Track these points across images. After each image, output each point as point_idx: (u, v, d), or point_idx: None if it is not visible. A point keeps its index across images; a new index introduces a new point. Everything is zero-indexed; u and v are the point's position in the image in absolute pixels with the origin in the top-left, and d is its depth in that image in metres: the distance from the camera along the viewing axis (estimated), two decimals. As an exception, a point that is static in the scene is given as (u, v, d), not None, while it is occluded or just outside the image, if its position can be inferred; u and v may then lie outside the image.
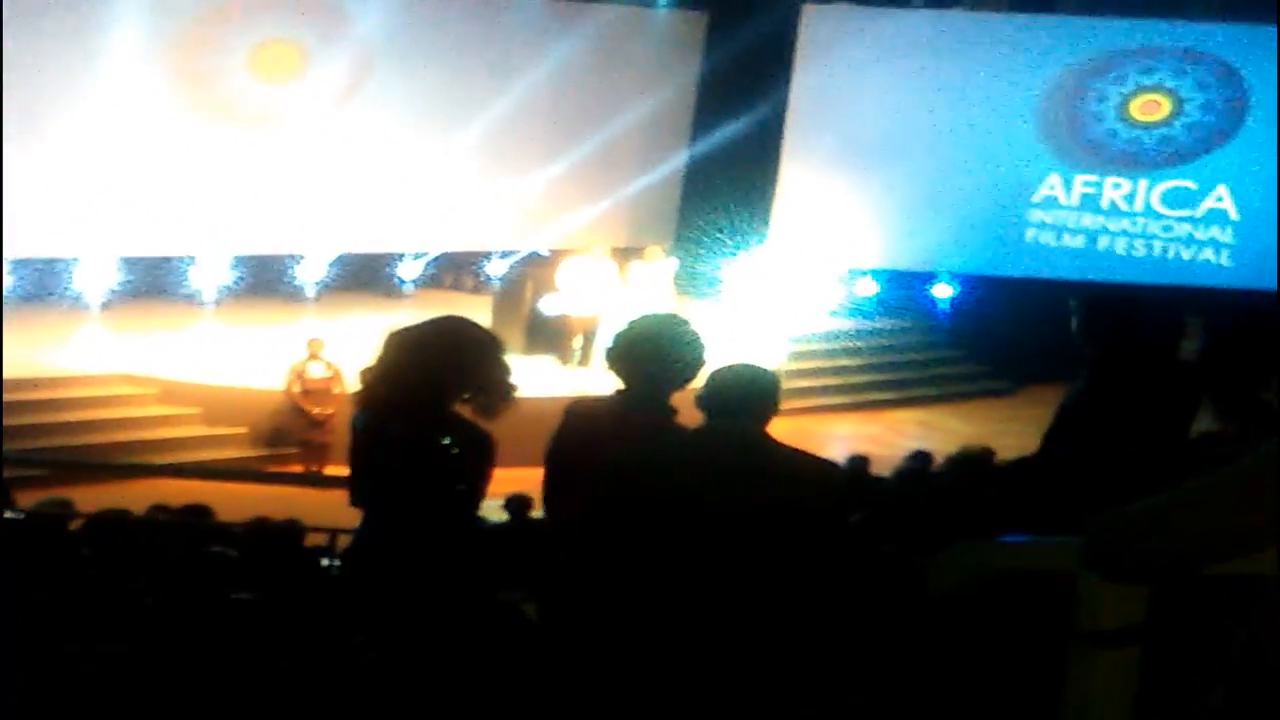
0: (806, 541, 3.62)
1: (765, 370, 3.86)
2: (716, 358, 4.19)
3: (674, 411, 4.25)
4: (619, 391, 4.34)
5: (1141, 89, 17.95)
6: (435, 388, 3.92)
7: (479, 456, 3.92)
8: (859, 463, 9.93)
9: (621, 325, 4.46)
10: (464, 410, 3.96)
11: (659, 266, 15.93)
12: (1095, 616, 1.88)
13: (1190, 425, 5.03)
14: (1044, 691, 2.08)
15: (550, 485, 4.50)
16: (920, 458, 10.00)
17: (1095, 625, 1.88)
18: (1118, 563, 1.82)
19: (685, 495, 3.60)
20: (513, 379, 4.00)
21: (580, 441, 4.31)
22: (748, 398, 3.73)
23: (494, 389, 3.96)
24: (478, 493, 4.01)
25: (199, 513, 8.29)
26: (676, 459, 3.75)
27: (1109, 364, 4.76)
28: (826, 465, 3.83)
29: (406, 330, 4.00)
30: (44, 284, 15.09)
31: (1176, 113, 17.95)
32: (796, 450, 3.74)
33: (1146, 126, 18.05)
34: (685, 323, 4.39)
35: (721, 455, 3.65)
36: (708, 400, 3.77)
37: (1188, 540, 1.73)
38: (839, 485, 3.87)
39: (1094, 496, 4.22)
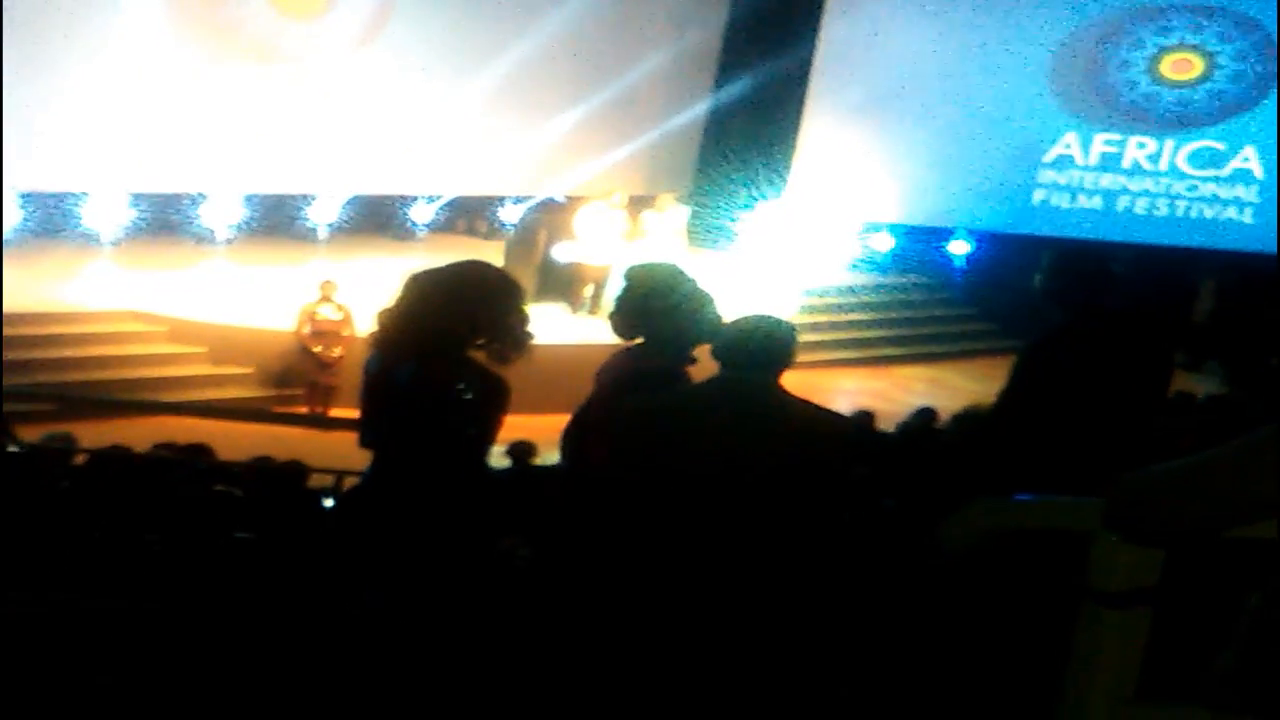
0: (814, 493, 3.60)
1: (782, 323, 3.83)
2: (731, 309, 4.16)
3: (692, 362, 4.21)
4: (638, 344, 4.30)
5: (1173, 47, 17.75)
6: (453, 332, 3.89)
7: (492, 402, 3.90)
8: (864, 418, 9.94)
9: (620, 283, 4.42)
10: (478, 356, 3.93)
11: (671, 215, 15.87)
12: (1109, 577, 1.86)
13: (1163, 391, 5.00)
14: (1051, 650, 2.05)
15: (576, 442, 4.46)
16: (925, 414, 10.00)
17: (1109, 586, 1.85)
18: (1139, 524, 1.78)
19: (695, 445, 3.58)
20: (530, 327, 3.98)
21: (601, 398, 4.29)
22: (763, 350, 3.71)
23: (510, 336, 3.94)
24: (488, 438, 3.99)
25: (202, 452, 8.29)
26: (687, 408, 3.72)
27: (1073, 324, 4.72)
28: (836, 418, 3.81)
29: (428, 273, 3.98)
30: (55, 218, 15.02)
31: (1209, 72, 17.75)
32: (807, 403, 3.72)
33: (1178, 85, 17.85)
34: (673, 268, 4.35)
35: (732, 406, 3.63)
36: (723, 351, 3.76)
37: (1210, 503, 1.70)
38: (848, 438, 3.84)
39: (1049, 457, 4.21)
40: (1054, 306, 4.76)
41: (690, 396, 3.82)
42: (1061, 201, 18.47)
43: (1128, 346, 4.70)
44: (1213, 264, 17.71)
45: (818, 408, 3.77)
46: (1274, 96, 17.45)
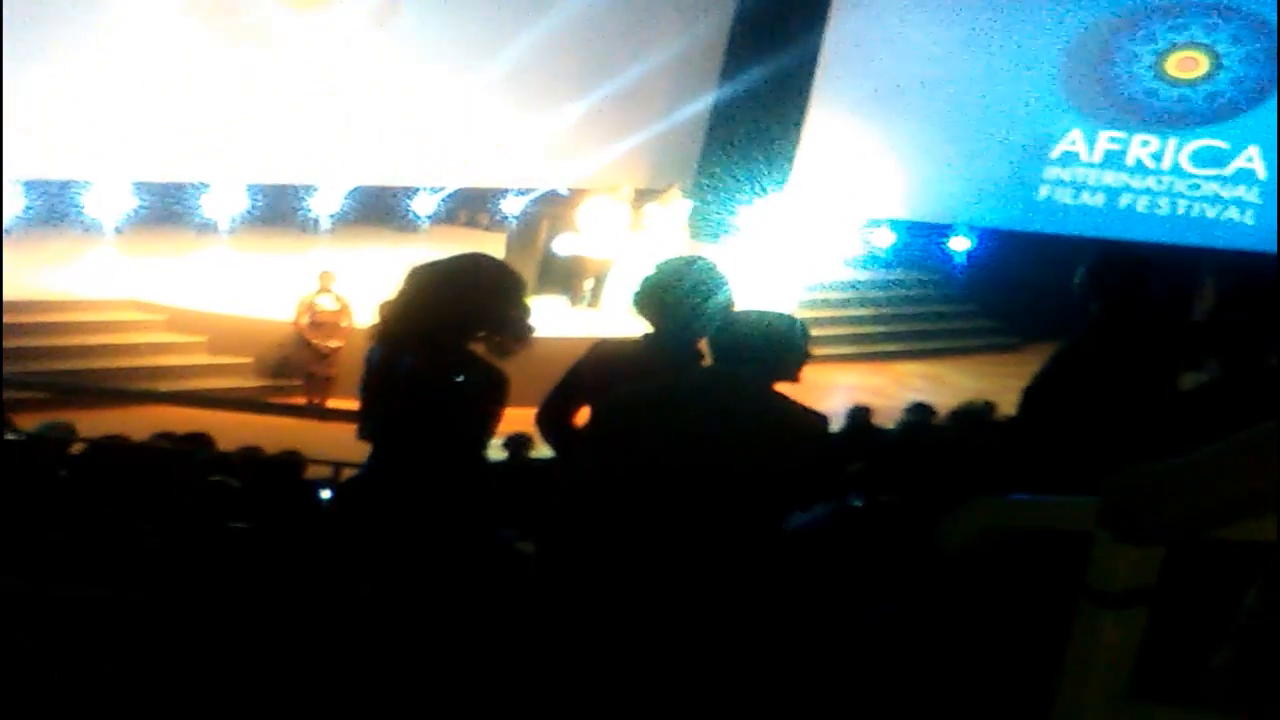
0: (776, 492, 3.55)
1: (780, 320, 3.77)
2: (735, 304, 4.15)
3: (700, 356, 4.20)
4: (646, 335, 4.30)
5: (1179, 45, 17.69)
6: (454, 324, 3.90)
7: (492, 394, 3.91)
8: (861, 413, 9.94)
9: (648, 268, 4.42)
10: (478, 348, 3.93)
11: (674, 208, 15.85)
12: (1107, 576, 1.85)
13: (1174, 389, 4.98)
14: (1048, 649, 2.05)
15: (556, 409, 4.46)
16: (920, 410, 10.00)
17: (1106, 585, 1.84)
18: (1134, 523, 1.78)
19: (660, 438, 3.54)
20: (530, 320, 3.99)
21: (598, 380, 4.28)
22: (751, 345, 3.64)
23: (511, 329, 3.95)
24: (488, 430, 4.00)
25: (200, 441, 8.29)
26: (658, 400, 3.68)
27: (1111, 323, 4.69)
28: (809, 418, 3.71)
29: (431, 265, 3.99)
30: (56, 206, 15.02)
31: (1215, 70, 17.69)
32: (786, 401, 3.65)
33: (1184, 84, 17.81)
34: (711, 265, 4.33)
35: (702, 399, 3.59)
36: (712, 345, 3.73)
37: (1206, 502, 1.70)
38: (816, 439, 3.75)
39: (1081, 454, 4.19)
40: (1093, 304, 4.73)
41: (666, 389, 3.77)
42: (1065, 198, 18.43)
43: (1158, 347, 4.68)
44: (1213, 262, 17.65)
45: (793, 406, 3.66)
46: (1276, 91, 17.36)
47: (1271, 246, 16.78)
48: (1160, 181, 18.24)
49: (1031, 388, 4.83)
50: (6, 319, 11.62)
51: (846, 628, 3.96)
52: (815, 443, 3.69)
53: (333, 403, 12.42)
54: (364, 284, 12.01)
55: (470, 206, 18.77)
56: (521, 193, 17.74)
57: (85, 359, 12.99)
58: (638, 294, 4.35)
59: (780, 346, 3.70)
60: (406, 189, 17.81)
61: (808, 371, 3.91)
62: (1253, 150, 17.81)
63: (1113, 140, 18.19)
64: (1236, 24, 17.45)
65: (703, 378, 3.78)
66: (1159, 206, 18.31)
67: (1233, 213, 18.14)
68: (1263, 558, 1.90)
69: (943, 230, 19.08)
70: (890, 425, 9.97)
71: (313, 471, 8.01)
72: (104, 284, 14.10)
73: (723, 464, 3.48)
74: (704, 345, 4.14)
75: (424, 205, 18.12)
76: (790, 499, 3.71)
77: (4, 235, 13.59)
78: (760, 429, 3.56)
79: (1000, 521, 2.29)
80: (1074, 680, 1.93)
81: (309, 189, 16.91)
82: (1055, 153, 18.33)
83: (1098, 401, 4.52)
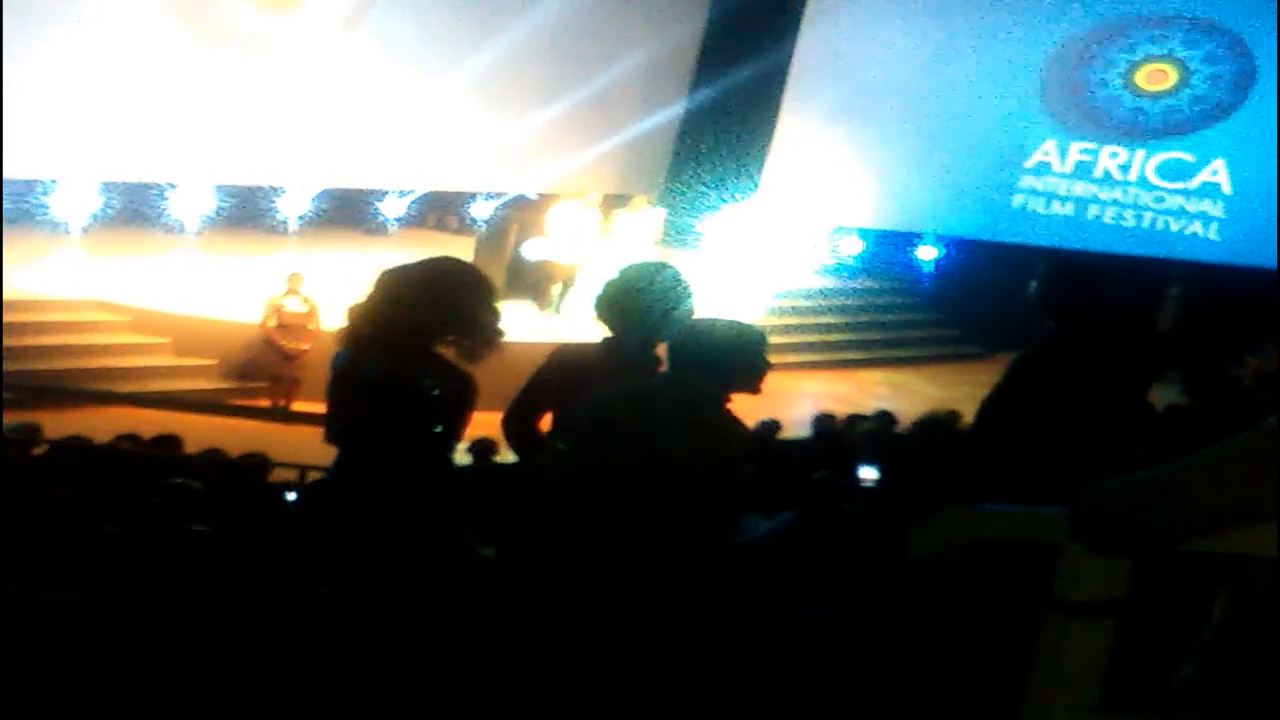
0: (702, 498, 3.56)
1: (738, 331, 3.76)
2: (700, 311, 4.15)
3: (658, 361, 4.20)
4: (606, 339, 4.30)
5: (1149, 58, 17.75)
6: (422, 328, 3.90)
7: (460, 399, 3.91)
8: (826, 421, 9.97)
9: (611, 273, 4.43)
10: (447, 352, 3.93)
11: (644, 217, 15.86)
12: (1075, 587, 1.85)
13: (1143, 400, 4.99)
14: (1016, 659, 2.05)
15: (521, 414, 4.44)
16: (883, 418, 10.03)
17: (1074, 596, 1.84)
18: (1103, 535, 1.78)
19: (610, 443, 3.54)
20: (499, 325, 3.98)
21: (560, 384, 4.27)
22: (707, 354, 3.65)
23: (480, 333, 3.95)
24: (455, 435, 3.99)
25: (168, 443, 8.23)
26: (610, 408, 3.68)
27: (1064, 335, 4.70)
28: (735, 431, 3.71)
29: (400, 269, 3.98)
30: (22, 206, 14.87)
31: (1183, 83, 17.76)
32: (721, 415, 3.64)
33: (1152, 96, 17.87)
34: (675, 272, 4.33)
35: (645, 406, 3.60)
36: (670, 352, 3.74)
37: (1176, 515, 1.70)
38: (732, 453, 3.75)
39: (1036, 466, 4.20)
40: (1047, 317, 4.73)
41: (618, 397, 3.76)
42: (1038, 208, 18.48)
43: (1116, 359, 4.68)
44: (1176, 274, 17.74)
45: (726, 422, 3.66)
46: (1245, 106, 17.44)
47: (1235, 260, 16.88)
48: (1126, 193, 18.30)
49: (987, 400, 4.84)
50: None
51: (807, 633, 3.95)
52: (731, 456, 3.69)
53: (298, 405, 12.36)
54: (332, 287, 11.96)
55: (439, 210, 18.75)
56: (491, 197, 17.73)
57: (49, 359, 12.87)
58: (599, 298, 4.35)
59: (735, 357, 3.70)
60: (375, 192, 17.77)
61: (773, 378, 3.91)
62: (1218, 164, 17.88)
63: (1084, 151, 18.25)
64: (1216, 41, 17.51)
65: (651, 386, 3.79)
66: (1125, 219, 18.37)
67: (1196, 226, 18.22)
68: (1230, 569, 1.90)
69: (910, 239, 19.13)
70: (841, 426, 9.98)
71: (278, 475, 7.97)
72: (69, 284, 13.97)
73: (653, 469, 3.48)
74: (662, 351, 4.16)
75: (393, 208, 18.08)
76: (716, 506, 3.71)
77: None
78: (688, 437, 3.55)
79: (970, 531, 2.28)
80: (1040, 691, 1.92)
81: (277, 190, 16.83)
82: (1030, 162, 18.37)
83: (1052, 414, 4.53)
